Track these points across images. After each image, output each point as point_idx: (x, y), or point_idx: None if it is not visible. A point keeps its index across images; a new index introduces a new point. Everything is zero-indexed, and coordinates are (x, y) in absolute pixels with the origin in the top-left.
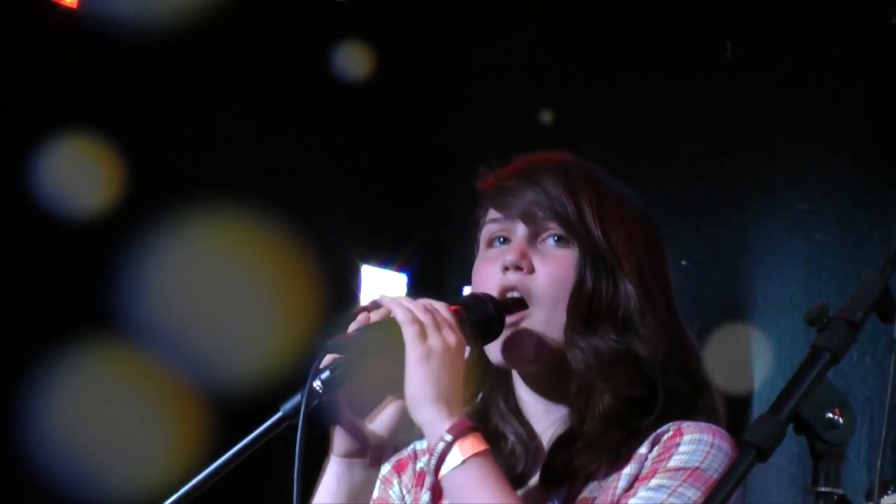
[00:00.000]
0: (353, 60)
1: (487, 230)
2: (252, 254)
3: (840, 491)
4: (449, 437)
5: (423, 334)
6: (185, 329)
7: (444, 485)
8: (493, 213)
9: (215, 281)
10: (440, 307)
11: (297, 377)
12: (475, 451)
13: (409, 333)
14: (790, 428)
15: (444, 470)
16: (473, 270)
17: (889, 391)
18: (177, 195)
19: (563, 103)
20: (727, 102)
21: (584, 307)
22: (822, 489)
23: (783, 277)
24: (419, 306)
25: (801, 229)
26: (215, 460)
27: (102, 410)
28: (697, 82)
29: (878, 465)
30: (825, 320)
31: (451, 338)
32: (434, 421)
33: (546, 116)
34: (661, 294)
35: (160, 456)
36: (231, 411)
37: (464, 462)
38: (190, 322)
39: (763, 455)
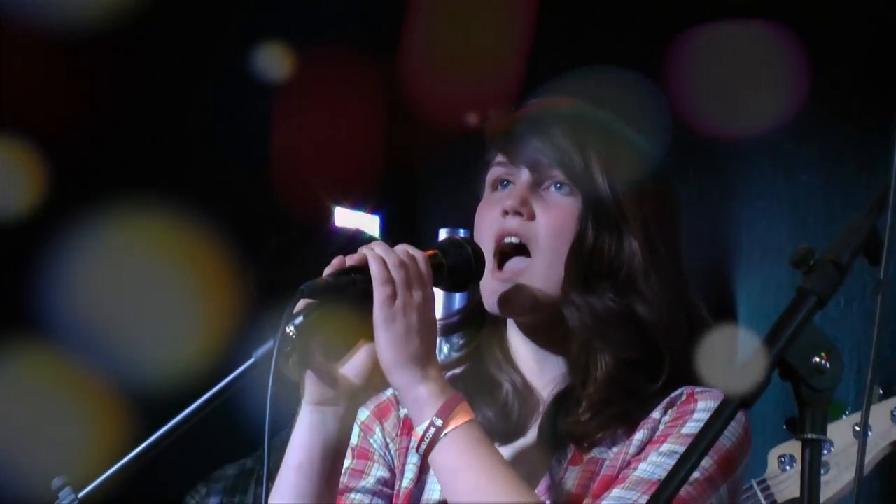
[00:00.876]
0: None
1: (493, 173)
2: (180, 242)
3: (827, 438)
4: (439, 422)
5: (392, 295)
6: (114, 320)
7: (434, 467)
8: (499, 157)
9: (151, 268)
10: (418, 257)
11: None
12: (463, 432)
13: (378, 294)
14: (775, 374)
15: (433, 455)
16: (477, 212)
17: (875, 334)
18: (109, 178)
19: (541, 39)
20: (711, 40)
21: (584, 262)
22: (809, 436)
23: (768, 220)
24: (395, 259)
25: (787, 171)
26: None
27: (20, 410)
28: (678, 23)
29: (865, 410)
30: (811, 263)
31: (420, 295)
32: (407, 385)
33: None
34: (669, 254)
35: (78, 455)
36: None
37: (452, 443)
38: (120, 314)
39: (747, 402)
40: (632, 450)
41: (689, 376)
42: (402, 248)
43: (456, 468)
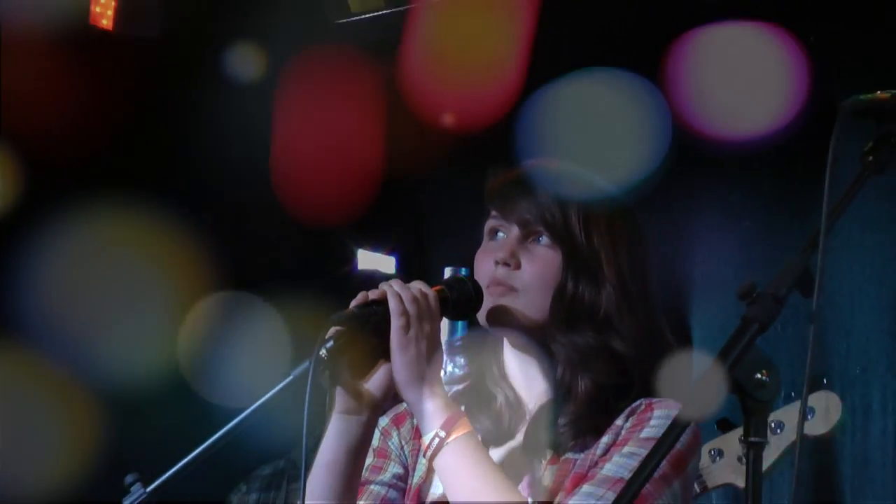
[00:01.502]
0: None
1: (489, 224)
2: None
3: (767, 441)
4: (442, 433)
5: (406, 325)
6: (91, 325)
7: (437, 470)
8: (494, 212)
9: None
10: (429, 293)
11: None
12: (461, 442)
13: (395, 324)
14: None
15: (437, 460)
16: (475, 257)
17: (809, 356)
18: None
19: (541, 40)
20: (666, 101)
21: (567, 306)
22: (753, 440)
23: (718, 259)
24: (409, 295)
25: (733, 217)
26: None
27: None
28: (631, 73)
29: (800, 421)
30: (754, 295)
31: (429, 326)
32: (417, 400)
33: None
34: (640, 294)
35: (52, 456)
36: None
37: (453, 451)
38: (97, 318)
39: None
40: (598, 451)
41: (651, 392)
42: (417, 287)
43: (455, 471)
